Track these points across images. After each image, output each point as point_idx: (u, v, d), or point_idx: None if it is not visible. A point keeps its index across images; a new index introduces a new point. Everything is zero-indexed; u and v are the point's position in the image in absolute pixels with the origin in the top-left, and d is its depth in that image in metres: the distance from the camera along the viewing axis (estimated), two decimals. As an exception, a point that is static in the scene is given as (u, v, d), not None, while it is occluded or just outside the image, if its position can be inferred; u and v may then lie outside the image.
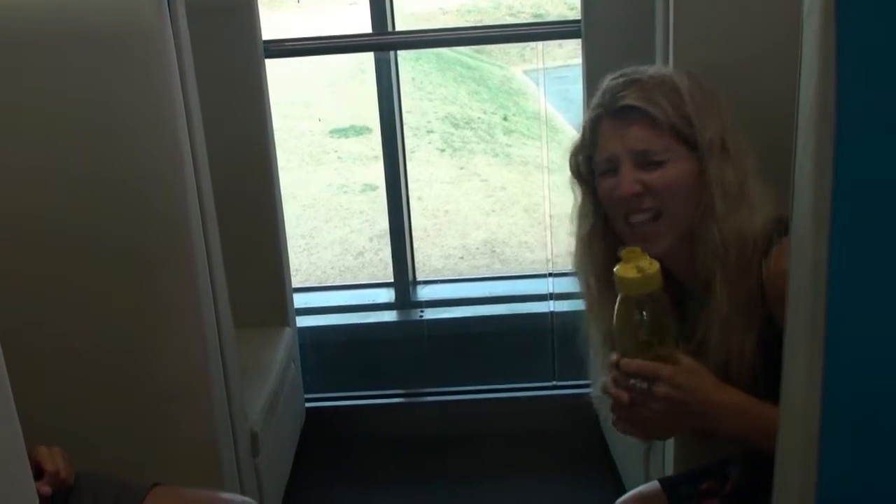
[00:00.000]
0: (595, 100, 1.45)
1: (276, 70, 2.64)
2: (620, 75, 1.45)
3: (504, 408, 2.90)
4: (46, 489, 1.45)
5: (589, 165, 1.47)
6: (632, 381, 1.29)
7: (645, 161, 1.37)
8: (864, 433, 0.90)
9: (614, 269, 1.28)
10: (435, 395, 2.95)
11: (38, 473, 1.48)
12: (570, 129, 4.82)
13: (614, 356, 1.31)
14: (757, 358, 1.34)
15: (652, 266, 1.26)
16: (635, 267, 1.26)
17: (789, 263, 0.93)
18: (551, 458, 2.70)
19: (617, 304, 1.29)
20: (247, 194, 2.51)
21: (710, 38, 1.72)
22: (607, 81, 1.45)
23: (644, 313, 1.27)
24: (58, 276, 1.79)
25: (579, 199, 1.53)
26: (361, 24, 2.90)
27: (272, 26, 2.68)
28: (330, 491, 2.62)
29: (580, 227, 1.53)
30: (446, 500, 2.57)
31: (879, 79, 0.79)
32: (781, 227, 1.32)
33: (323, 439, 2.82)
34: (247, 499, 1.76)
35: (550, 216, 3.19)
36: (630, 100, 1.38)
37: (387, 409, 2.94)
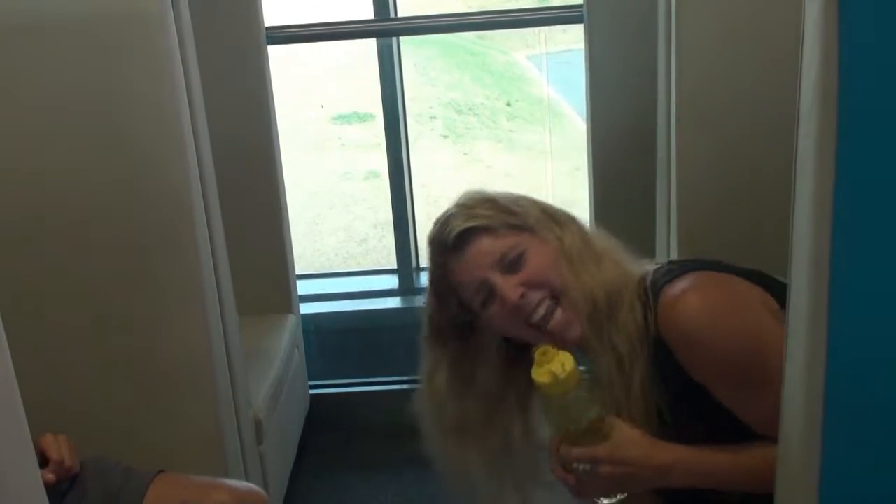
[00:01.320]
0: (430, 260, 1.50)
1: (279, 56, 2.63)
2: (434, 226, 1.49)
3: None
4: (50, 477, 1.46)
5: (460, 320, 1.49)
6: (574, 465, 1.35)
7: (507, 265, 1.39)
8: (867, 430, 0.89)
9: (531, 372, 1.34)
10: (439, 382, 2.95)
11: (43, 461, 1.49)
12: (573, 114, 4.81)
13: (553, 444, 1.38)
14: (649, 399, 1.37)
15: (565, 368, 1.32)
16: (547, 371, 1.32)
17: (789, 259, 0.93)
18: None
19: (541, 399, 1.38)
20: (250, 181, 2.51)
21: (712, 22, 1.71)
22: (427, 242, 1.50)
23: (569, 404, 1.34)
24: (60, 262, 1.79)
25: (447, 354, 1.53)
26: (363, 10, 2.89)
27: (274, 12, 2.67)
28: (334, 477, 2.63)
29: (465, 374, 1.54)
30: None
31: (881, 65, 0.78)
32: (656, 281, 1.36)
33: (327, 426, 2.83)
34: (251, 485, 1.77)
35: (554, 201, 3.19)
36: (457, 227, 1.41)
37: (391, 396, 2.94)
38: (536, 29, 4.45)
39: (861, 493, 0.92)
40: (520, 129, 6.06)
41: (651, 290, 1.35)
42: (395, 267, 3.11)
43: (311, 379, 2.83)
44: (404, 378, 2.98)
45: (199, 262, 1.80)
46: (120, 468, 1.63)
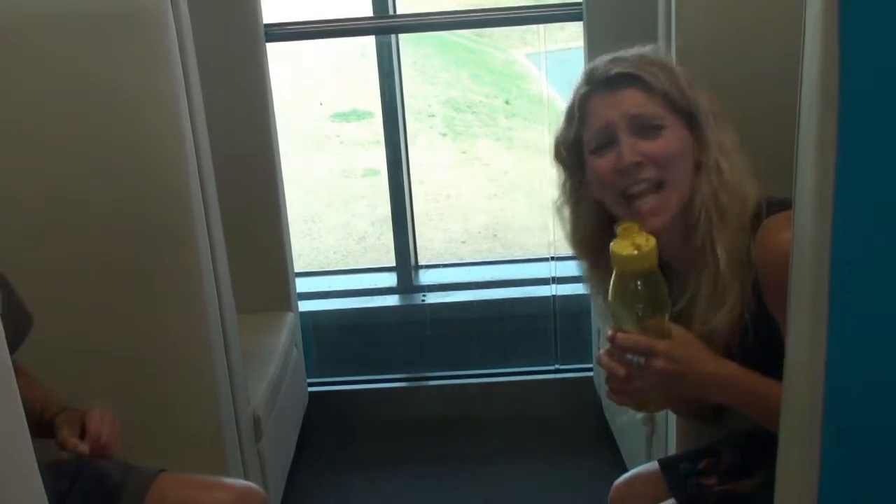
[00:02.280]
0: (580, 81, 1.43)
1: (278, 54, 2.63)
2: (606, 55, 1.43)
3: (506, 391, 2.91)
4: (84, 448, 1.44)
5: (574, 150, 1.45)
6: (628, 355, 1.30)
7: (641, 126, 1.35)
8: (868, 425, 0.89)
9: (610, 245, 1.29)
10: (437, 379, 2.96)
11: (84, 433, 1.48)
12: (571, 113, 4.79)
13: (610, 330, 1.32)
14: (739, 328, 1.35)
15: (648, 242, 1.27)
16: (631, 244, 1.26)
17: (791, 249, 0.93)
18: (554, 441, 2.71)
19: (612, 278, 1.30)
20: (248, 179, 2.51)
21: (711, 19, 1.71)
22: (592, 64, 1.44)
23: (639, 288, 1.28)
24: (59, 260, 1.79)
25: (563, 182, 1.51)
26: (362, 7, 2.89)
27: (273, 9, 2.67)
28: (333, 475, 2.63)
29: (568, 208, 1.52)
30: (449, 483, 2.58)
31: (883, 60, 0.78)
32: (771, 206, 1.33)
33: (326, 423, 2.83)
34: (250, 483, 1.77)
35: (552, 200, 3.20)
36: (620, 68, 1.37)
37: (389, 393, 2.95)
38: (535, 26, 4.45)
39: (861, 492, 0.92)
40: (518, 128, 6.07)
41: (765, 214, 1.33)
42: (393, 265, 3.11)
43: (309, 376, 2.84)
44: (402, 375, 2.99)
45: (198, 259, 1.80)
46: (121, 466, 1.63)
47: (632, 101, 1.36)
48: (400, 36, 2.97)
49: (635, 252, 1.26)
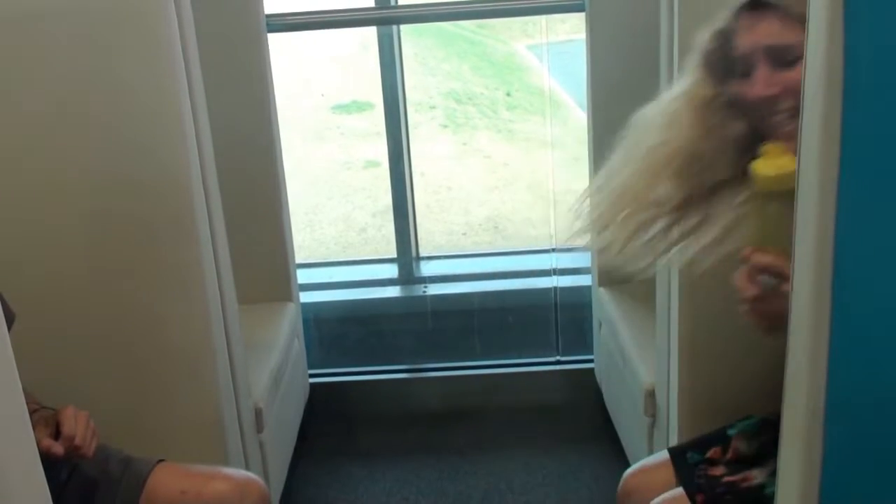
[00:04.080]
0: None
1: (279, 45, 2.63)
2: None
3: (507, 382, 2.91)
4: (59, 450, 1.42)
5: (723, 53, 1.40)
6: (761, 276, 1.27)
7: (781, 58, 1.31)
8: (870, 420, 0.89)
9: (752, 165, 1.26)
10: (438, 371, 2.96)
11: (58, 433, 1.45)
12: (573, 105, 4.80)
13: (746, 249, 1.29)
14: None
15: (792, 164, 1.17)
16: (774, 164, 1.23)
17: (792, 249, 0.92)
18: (555, 432, 2.71)
19: (753, 197, 1.28)
20: (250, 170, 2.51)
21: (715, 10, 1.71)
22: None
23: (780, 209, 1.23)
24: (60, 252, 1.79)
25: (704, 86, 1.44)
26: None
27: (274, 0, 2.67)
28: (334, 466, 2.64)
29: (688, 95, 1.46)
30: (450, 474, 2.58)
31: (887, 57, 0.78)
32: None
33: (327, 415, 2.84)
34: (250, 473, 1.77)
35: (553, 192, 3.18)
36: None
37: (390, 385, 2.95)
38: (537, 18, 4.44)
39: (862, 490, 0.92)
40: (519, 120, 6.06)
41: None
42: (394, 256, 3.11)
43: (310, 367, 2.84)
44: (404, 366, 2.99)
45: (200, 251, 1.80)
46: (120, 457, 1.64)
47: (768, 31, 1.32)
48: (401, 27, 2.96)
49: (776, 173, 1.23)
